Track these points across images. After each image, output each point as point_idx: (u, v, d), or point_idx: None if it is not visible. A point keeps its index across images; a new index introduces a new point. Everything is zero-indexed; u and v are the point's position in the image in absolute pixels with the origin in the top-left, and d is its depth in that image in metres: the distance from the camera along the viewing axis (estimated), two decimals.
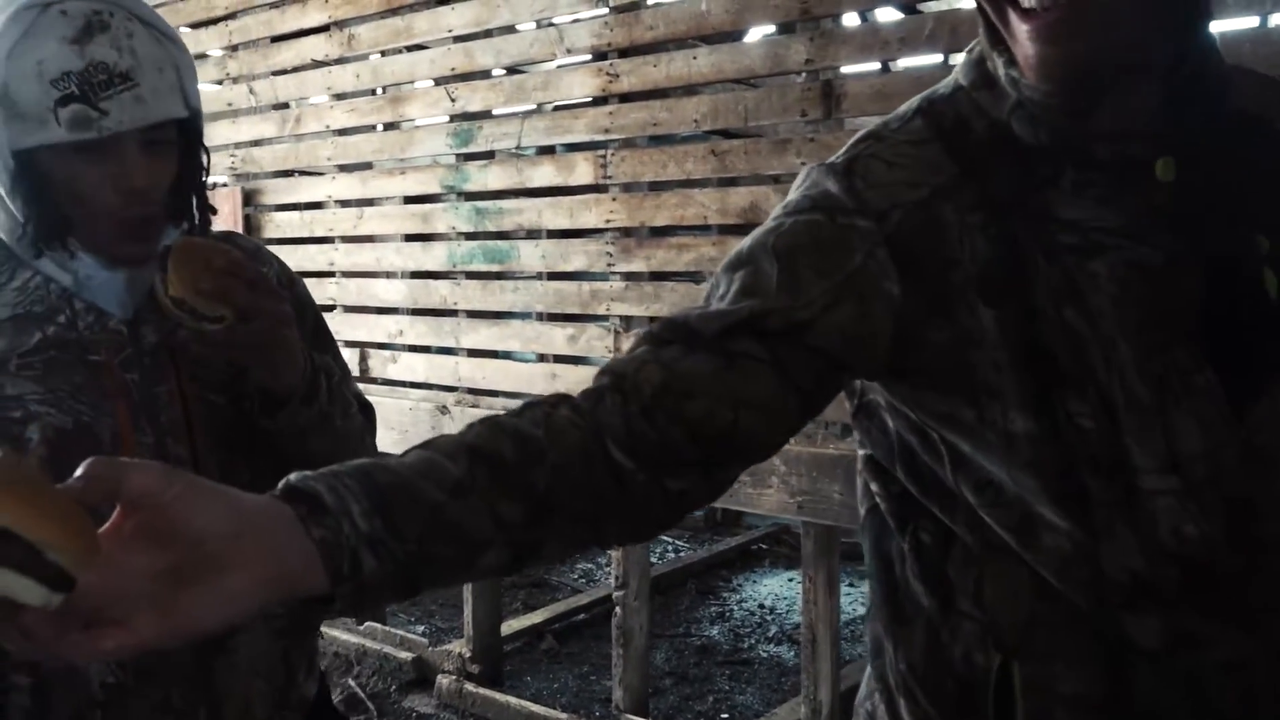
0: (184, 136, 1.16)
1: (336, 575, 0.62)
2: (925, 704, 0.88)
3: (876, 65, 2.98)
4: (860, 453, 0.98)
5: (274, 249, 4.03)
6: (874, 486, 0.93)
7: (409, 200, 3.93)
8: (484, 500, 0.69)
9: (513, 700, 3.72)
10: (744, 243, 0.86)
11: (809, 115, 2.80)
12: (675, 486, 0.77)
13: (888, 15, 3.01)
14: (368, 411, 1.36)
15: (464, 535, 0.68)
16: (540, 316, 3.56)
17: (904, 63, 2.91)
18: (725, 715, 3.90)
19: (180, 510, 0.57)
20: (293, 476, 0.65)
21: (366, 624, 4.24)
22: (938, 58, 3.00)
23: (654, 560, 5.86)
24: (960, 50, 2.73)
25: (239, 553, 0.57)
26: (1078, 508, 0.77)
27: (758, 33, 3.49)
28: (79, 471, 0.56)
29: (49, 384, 1.09)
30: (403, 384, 3.98)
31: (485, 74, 3.59)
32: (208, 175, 1.23)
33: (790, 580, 5.46)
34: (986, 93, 0.84)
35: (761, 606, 5.10)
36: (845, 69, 2.83)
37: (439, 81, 3.71)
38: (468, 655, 3.88)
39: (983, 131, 0.84)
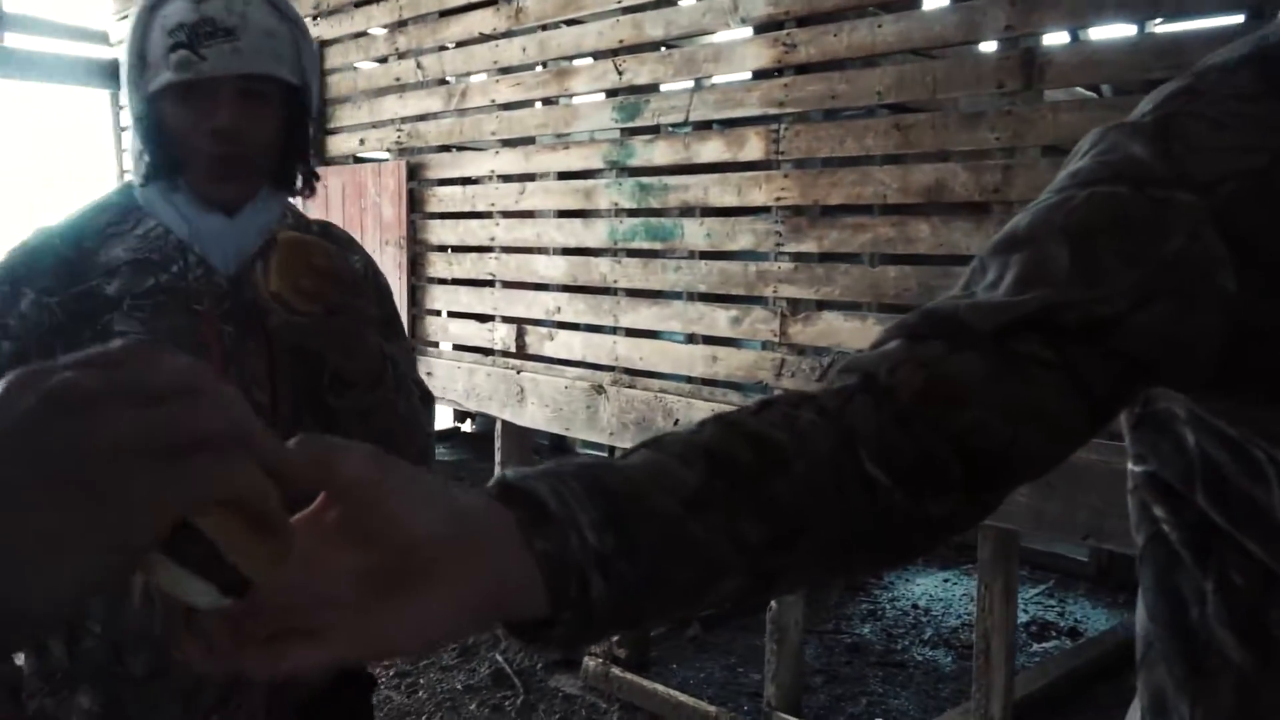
0: (290, 103, 1.27)
1: (560, 598, 0.50)
2: None
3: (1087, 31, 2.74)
4: (1135, 469, 0.83)
5: (436, 224, 4.08)
6: (1158, 511, 0.79)
7: (570, 176, 3.88)
8: (723, 516, 0.56)
9: (660, 688, 3.66)
10: (1017, 220, 0.71)
11: (1006, 87, 2.59)
12: (937, 512, 0.62)
13: None
14: (428, 400, 1.45)
15: (703, 557, 0.55)
16: (702, 298, 3.44)
17: (1119, 28, 2.65)
18: (879, 719, 3.74)
19: (399, 506, 0.47)
20: (508, 473, 0.54)
21: None
22: (1156, 21, 2.73)
23: None
24: (1182, 13, 2.47)
25: (455, 563, 0.47)
26: None
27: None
28: (290, 449, 0.47)
29: (153, 326, 1.20)
30: (559, 361, 3.95)
31: (654, 46, 3.49)
32: (313, 152, 1.36)
33: (946, 581, 5.22)
34: None
35: (915, 607, 4.88)
36: (1049, 37, 2.60)
37: (604, 55, 3.63)
38: (615, 639, 3.83)
39: None
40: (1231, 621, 0.73)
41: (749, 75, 3.29)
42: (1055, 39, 2.65)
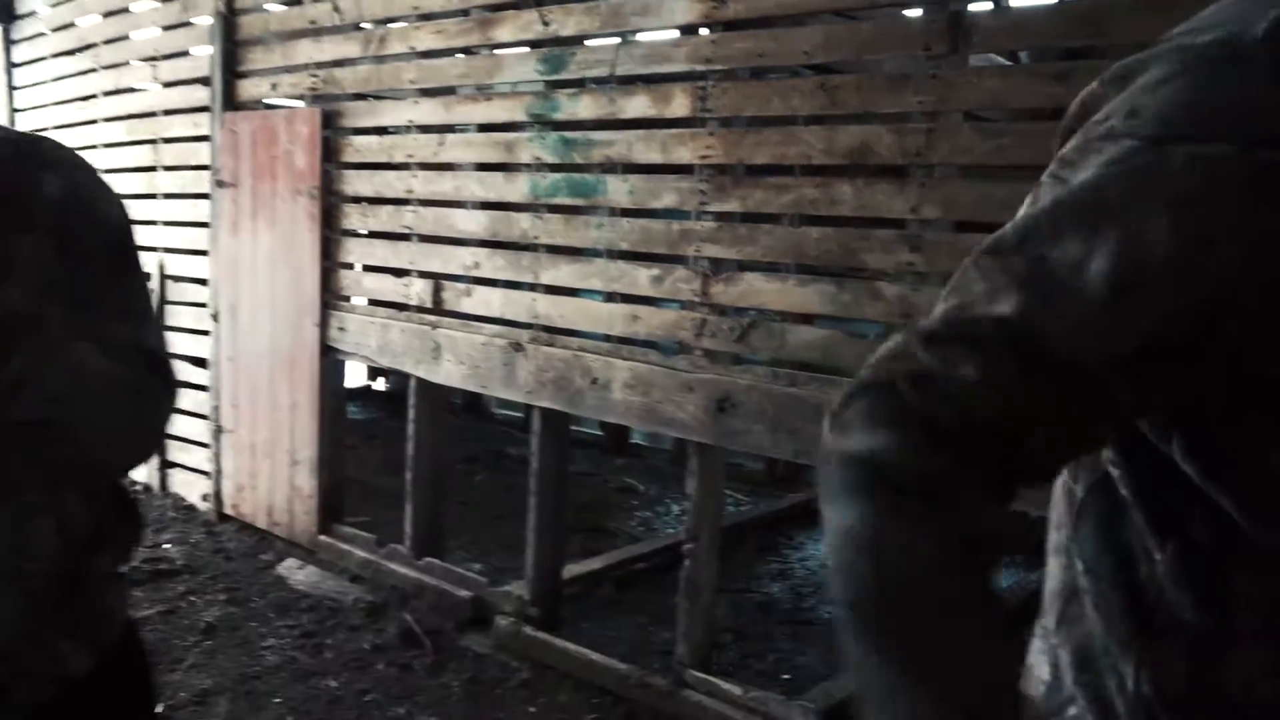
0: None
1: None
2: None
3: None
4: None
5: (351, 174, 3.94)
6: (1113, 461, 0.74)
7: (492, 128, 3.80)
8: None
9: (571, 646, 3.66)
10: (1082, 177, 0.62)
11: (933, 50, 2.61)
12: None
13: None
14: (157, 371, 1.14)
15: None
16: (623, 256, 3.42)
17: None
18: (787, 676, 3.80)
19: None
20: None
21: (425, 559, 4.19)
22: None
23: None
24: None
25: None
26: None
27: None
28: None
29: None
30: (476, 318, 3.88)
31: None
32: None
33: None
34: None
35: (824, 566, 4.96)
36: (975, 5, 2.62)
37: (529, 5, 3.55)
38: (526, 598, 3.81)
39: None
40: (1189, 581, 0.69)
41: (677, 31, 3.25)
42: (981, 5, 2.68)
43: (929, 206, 2.65)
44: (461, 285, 3.90)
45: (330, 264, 4.41)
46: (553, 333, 3.60)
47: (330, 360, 4.50)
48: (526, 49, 3.62)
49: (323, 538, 4.56)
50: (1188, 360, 0.61)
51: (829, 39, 2.82)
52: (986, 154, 2.55)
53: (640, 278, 3.32)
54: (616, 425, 7.12)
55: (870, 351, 2.55)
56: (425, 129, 3.99)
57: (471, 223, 3.85)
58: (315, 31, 4.40)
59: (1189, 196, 0.58)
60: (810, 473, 4.33)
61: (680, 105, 3.15)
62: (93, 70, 5.61)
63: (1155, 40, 0.68)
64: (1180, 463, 0.69)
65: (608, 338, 3.44)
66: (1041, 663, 0.83)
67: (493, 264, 3.77)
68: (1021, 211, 0.69)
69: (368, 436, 6.79)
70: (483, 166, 3.82)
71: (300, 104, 4.57)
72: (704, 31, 3.09)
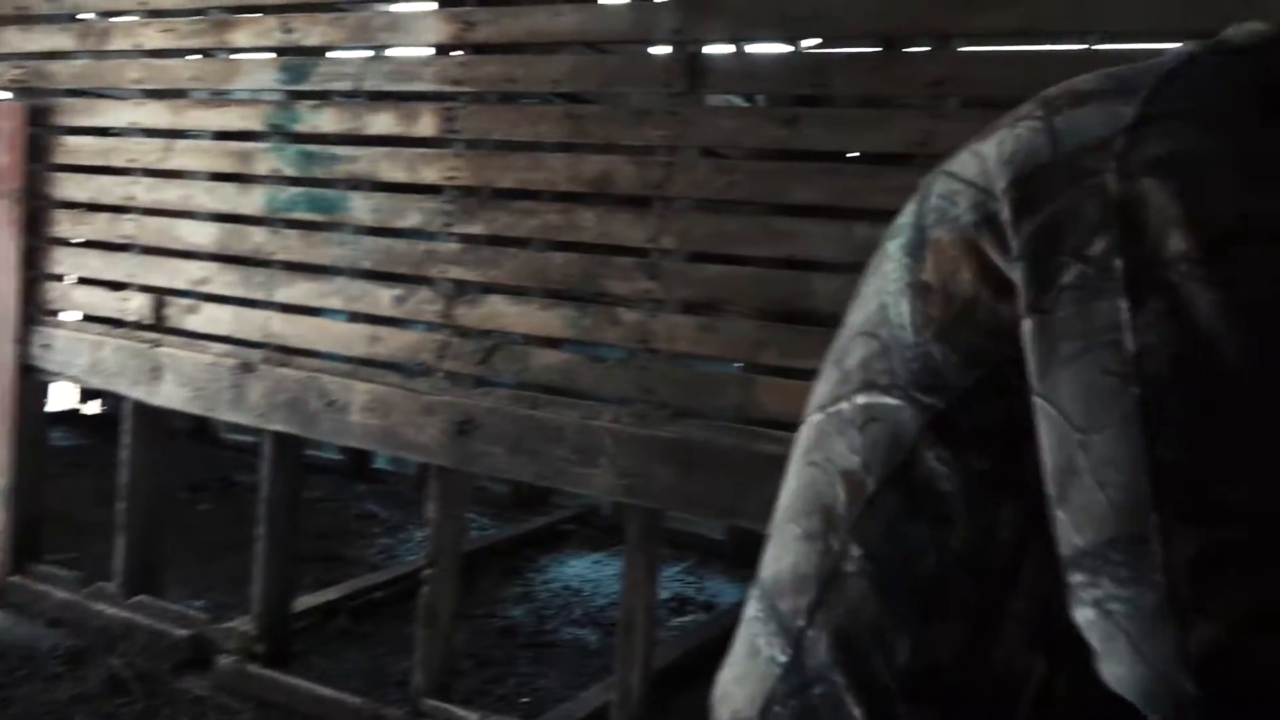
0: None
1: None
2: (940, 708, 0.78)
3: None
4: (894, 403, 0.81)
5: (64, 177, 3.63)
6: (934, 454, 0.77)
7: (227, 136, 3.60)
8: None
9: (300, 683, 3.48)
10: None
11: (672, 87, 2.73)
12: None
13: None
14: None
15: None
16: (365, 275, 3.33)
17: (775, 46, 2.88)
18: (527, 699, 3.80)
19: None
20: None
21: (137, 597, 3.87)
22: (816, 41, 3.00)
23: None
24: (839, 37, 2.73)
25: None
26: None
27: None
28: None
29: None
30: (203, 336, 3.65)
31: (326, 7, 3.33)
32: None
33: (596, 562, 5.41)
34: None
35: (567, 588, 5.02)
36: (716, 46, 2.77)
37: (272, 10, 3.41)
38: (252, 633, 3.60)
39: None
40: (981, 570, 0.75)
41: (427, 50, 3.22)
42: (720, 48, 2.83)
43: (667, 237, 2.77)
44: (187, 301, 3.66)
45: (35, 275, 4.01)
46: (287, 353, 3.44)
47: (32, 381, 4.08)
48: (267, 55, 3.47)
49: (15, 579, 4.10)
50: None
51: (576, 69, 2.89)
52: (720, 189, 2.69)
53: (382, 298, 3.24)
54: (358, 450, 6.89)
55: (610, 374, 2.58)
56: (151, 132, 3.72)
57: (200, 235, 3.62)
58: (24, 18, 4.01)
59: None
60: (556, 497, 4.42)
61: (427, 125, 3.12)
62: None
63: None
64: (977, 460, 0.75)
65: (346, 359, 3.33)
66: (773, 646, 0.86)
67: (223, 279, 3.56)
68: None
69: (76, 465, 6.19)
70: (216, 176, 3.61)
71: (4, 96, 4.14)
72: (454, 53, 3.09)
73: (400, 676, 3.72)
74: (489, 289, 3.10)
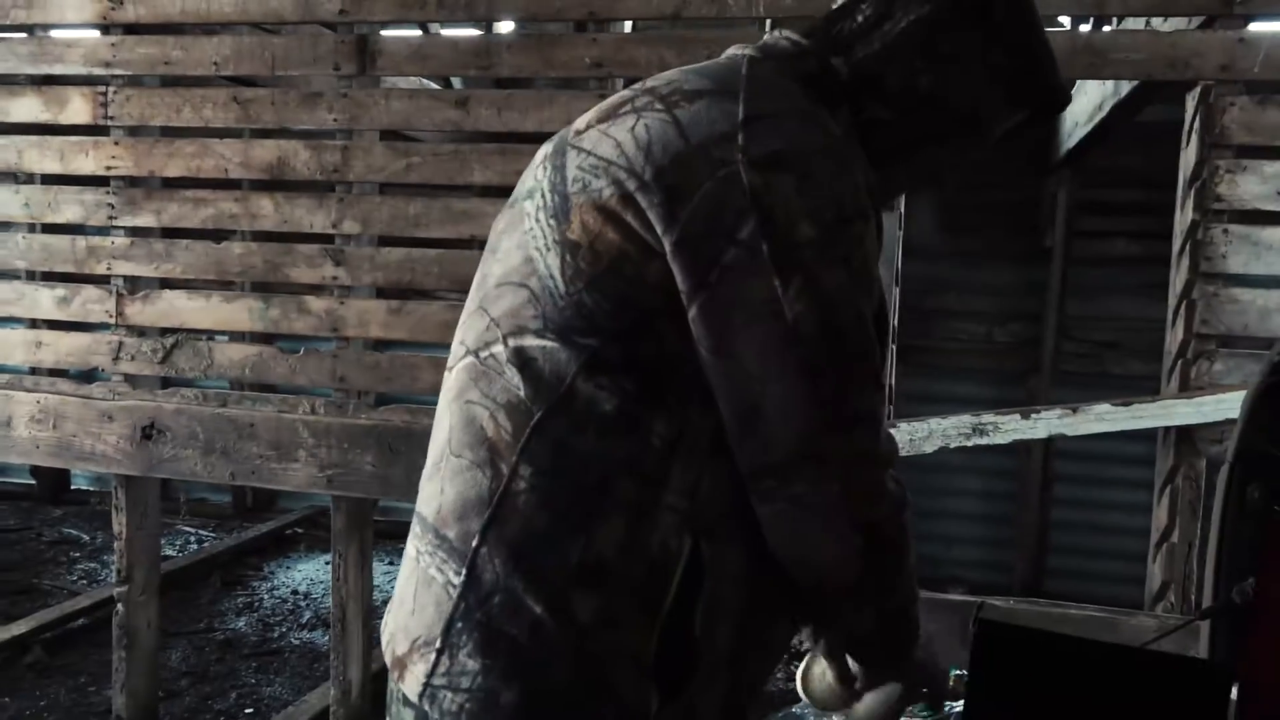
0: None
1: None
2: (608, 592, 0.90)
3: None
4: (553, 345, 0.92)
5: None
6: (595, 383, 0.91)
7: None
8: None
9: None
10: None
11: (342, 69, 2.68)
12: None
13: None
14: None
15: None
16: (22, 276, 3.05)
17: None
18: (250, 710, 3.65)
19: None
20: None
21: None
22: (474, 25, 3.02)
23: (172, 553, 5.35)
24: (499, 17, 2.77)
25: None
26: None
27: None
28: None
29: None
30: None
31: None
32: None
33: (327, 563, 5.24)
34: None
35: (295, 593, 4.85)
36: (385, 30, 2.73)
37: None
38: None
39: None
40: (643, 473, 0.90)
41: (72, 31, 2.98)
42: (392, 32, 2.80)
43: (349, 222, 2.72)
44: None
45: None
46: None
47: None
48: None
49: None
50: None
51: (240, 51, 2.77)
52: (399, 172, 2.67)
53: (43, 299, 2.98)
54: (53, 471, 6.30)
55: (300, 365, 2.51)
56: None
57: None
58: None
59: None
60: (282, 501, 4.28)
61: (79, 110, 2.89)
62: None
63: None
64: (630, 384, 0.90)
65: (6, 369, 3.04)
66: (447, 571, 0.94)
67: None
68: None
69: None
70: None
71: None
72: (103, 34, 2.87)
73: (104, 705, 3.47)
74: (164, 284, 2.93)
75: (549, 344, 0.93)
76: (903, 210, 2.44)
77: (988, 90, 1.03)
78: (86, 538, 5.58)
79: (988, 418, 2.36)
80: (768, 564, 0.95)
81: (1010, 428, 2.34)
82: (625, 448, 0.91)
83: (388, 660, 1.00)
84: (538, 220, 0.96)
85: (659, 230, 0.89)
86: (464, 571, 0.93)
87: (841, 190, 0.90)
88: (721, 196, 0.88)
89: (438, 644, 0.94)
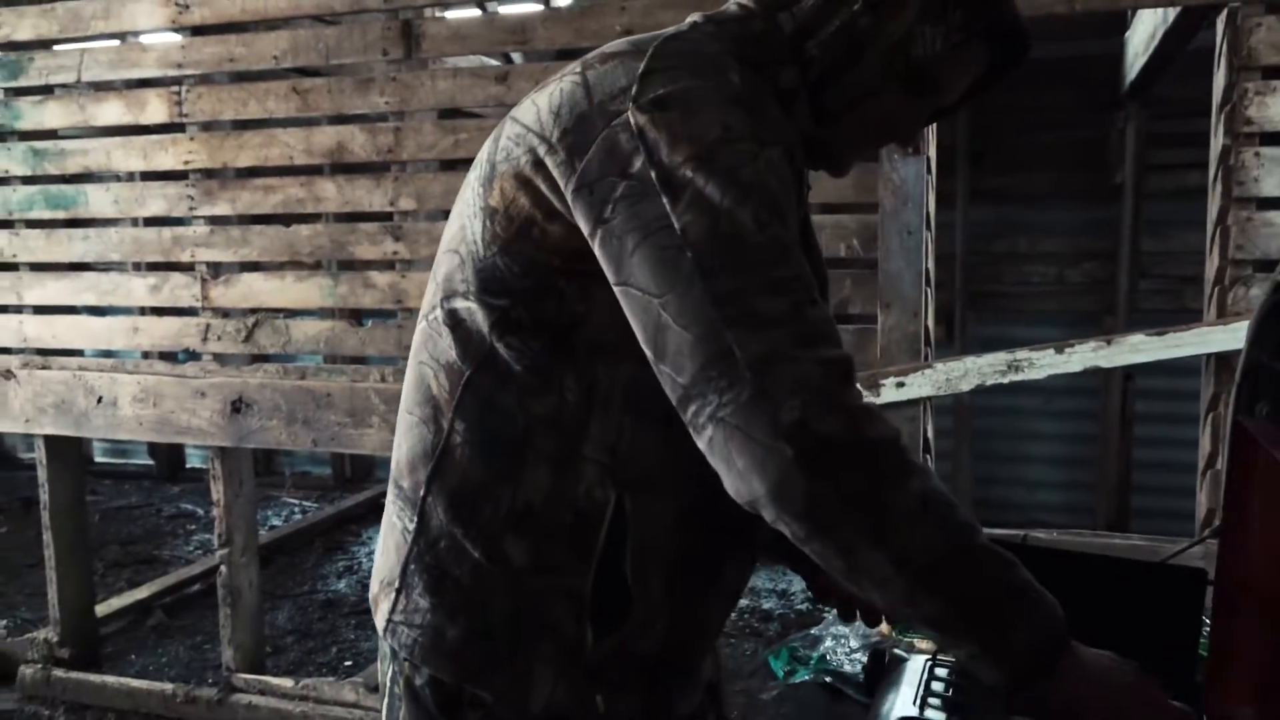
0: None
1: None
2: (538, 537, 0.97)
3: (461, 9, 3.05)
4: (471, 306, 0.99)
5: None
6: (505, 343, 0.97)
7: None
8: None
9: (110, 680, 3.49)
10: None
11: (390, 54, 2.83)
12: None
13: None
14: None
15: None
16: (117, 267, 3.30)
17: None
18: (349, 662, 3.90)
19: None
20: None
21: None
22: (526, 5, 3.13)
23: (278, 523, 5.69)
24: None
25: None
26: None
27: None
28: None
29: None
30: None
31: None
32: None
33: None
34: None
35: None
36: (434, 11, 2.87)
37: None
38: (55, 640, 3.57)
39: None
40: (560, 426, 0.96)
41: (146, 36, 3.19)
42: (432, 14, 2.93)
43: (405, 199, 2.88)
44: None
45: None
46: (47, 355, 3.39)
47: None
48: None
49: None
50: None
51: (296, 43, 2.94)
52: (448, 149, 2.81)
53: (136, 288, 3.23)
54: (169, 451, 6.74)
55: (368, 336, 2.68)
56: None
57: None
58: None
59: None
60: (379, 470, 4.52)
61: (157, 110, 3.11)
62: None
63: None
64: (536, 342, 0.96)
65: (109, 353, 3.31)
66: (404, 519, 1.04)
67: None
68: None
69: None
70: None
71: None
72: (174, 36, 3.08)
73: (218, 661, 3.76)
74: (243, 267, 3.14)
75: (472, 305, 0.99)
76: (932, 155, 2.48)
77: (925, 29, 1.00)
78: (200, 511, 5.97)
79: (1022, 354, 2.39)
80: (698, 511, 0.98)
81: (1045, 363, 2.37)
82: (542, 404, 0.96)
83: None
84: (472, 189, 1.02)
85: (561, 185, 0.92)
86: (415, 519, 1.02)
87: (731, 117, 0.91)
88: (613, 140, 0.90)
89: (396, 584, 1.03)
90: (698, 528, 1.00)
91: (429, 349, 1.04)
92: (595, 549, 0.97)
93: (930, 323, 2.53)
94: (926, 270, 2.49)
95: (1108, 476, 5.13)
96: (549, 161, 0.93)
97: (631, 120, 0.89)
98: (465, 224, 1.01)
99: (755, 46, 1.01)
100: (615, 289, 0.90)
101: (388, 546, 1.07)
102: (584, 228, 0.91)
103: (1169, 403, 4.99)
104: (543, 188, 0.93)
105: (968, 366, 2.42)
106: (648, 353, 0.88)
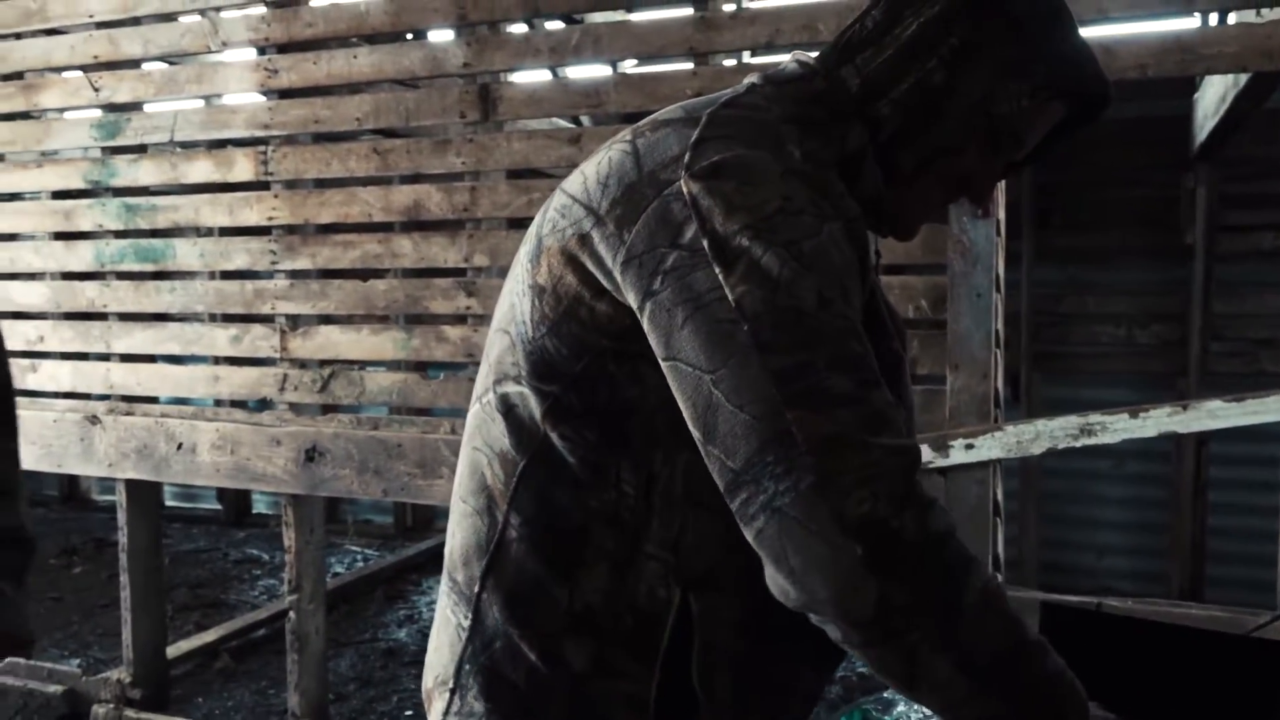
0: None
1: None
2: (598, 640, 0.92)
3: (536, 72, 3.15)
4: (523, 391, 0.94)
5: None
6: (558, 433, 0.93)
7: (51, 196, 3.64)
8: None
9: None
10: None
11: (467, 117, 2.92)
12: None
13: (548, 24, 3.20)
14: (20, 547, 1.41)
15: None
16: (200, 318, 3.42)
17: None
18: (410, 713, 3.92)
19: None
20: None
21: (7, 660, 3.86)
22: (593, 67, 3.22)
23: (340, 570, 5.76)
24: (607, 58, 2.95)
25: None
26: None
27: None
28: None
29: None
30: (46, 394, 3.68)
31: (133, 63, 3.41)
32: None
33: None
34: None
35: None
36: (510, 76, 2.97)
37: (79, 69, 3.48)
38: (128, 680, 3.64)
39: None
40: (619, 522, 0.91)
41: (234, 98, 3.34)
42: (509, 78, 3.04)
43: (479, 255, 2.95)
44: (25, 362, 3.68)
45: None
46: (131, 401, 3.51)
47: None
48: (79, 113, 3.54)
49: None
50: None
51: (378, 106, 3.06)
52: (522, 207, 2.89)
53: (218, 338, 3.35)
54: (236, 496, 6.88)
55: (440, 389, 2.74)
56: None
57: (31, 295, 3.66)
58: None
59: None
60: (439, 520, 4.58)
61: (244, 169, 3.24)
62: None
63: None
64: (589, 432, 0.92)
65: (190, 401, 3.42)
66: (458, 614, 1.00)
67: (59, 336, 3.61)
68: None
69: None
70: (58, 235, 3.63)
71: None
72: (261, 98, 3.22)
73: (283, 706, 3.80)
74: (321, 320, 3.24)
75: (524, 390, 0.94)
76: (1001, 217, 2.48)
77: (1008, 85, 0.96)
78: (266, 556, 6.08)
79: (1095, 418, 2.37)
80: (771, 612, 0.87)
81: (1119, 427, 2.34)
82: (599, 498, 0.91)
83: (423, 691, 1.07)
84: (521, 264, 0.98)
85: (608, 262, 0.87)
86: (470, 616, 0.97)
87: (790, 188, 0.86)
88: (663, 210, 0.86)
89: (450, 684, 0.98)
90: (768, 629, 0.93)
91: (483, 434, 0.99)
92: (658, 653, 0.91)
93: (1000, 384, 2.52)
94: (996, 331, 2.48)
95: (1181, 542, 4.99)
96: (595, 235, 0.89)
97: (684, 189, 0.85)
98: (515, 302, 0.97)
99: (817, 106, 0.97)
100: (663, 365, 0.85)
101: (441, 642, 1.02)
102: (632, 302, 0.86)
103: (1246, 468, 4.87)
104: (589, 264, 0.89)
105: (1039, 429, 2.40)
106: (696, 434, 0.83)
